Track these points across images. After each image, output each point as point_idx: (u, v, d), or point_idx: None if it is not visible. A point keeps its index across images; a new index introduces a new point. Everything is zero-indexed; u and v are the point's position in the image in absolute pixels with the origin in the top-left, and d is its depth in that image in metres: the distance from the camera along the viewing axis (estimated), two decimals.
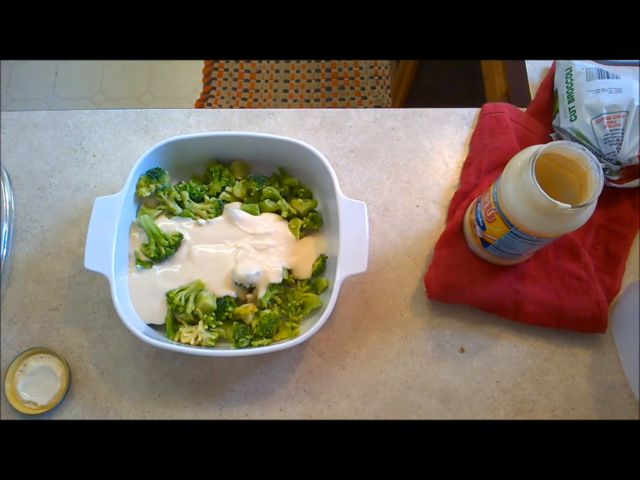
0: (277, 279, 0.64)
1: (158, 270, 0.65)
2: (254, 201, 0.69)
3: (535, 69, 0.82)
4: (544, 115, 0.78)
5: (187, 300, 0.62)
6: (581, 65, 0.75)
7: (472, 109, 0.79)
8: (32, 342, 0.66)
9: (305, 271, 0.67)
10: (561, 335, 0.68)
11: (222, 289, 0.64)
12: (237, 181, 0.70)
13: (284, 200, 0.69)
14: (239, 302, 0.65)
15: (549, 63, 0.82)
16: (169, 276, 0.64)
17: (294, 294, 0.66)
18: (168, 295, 0.63)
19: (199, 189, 0.69)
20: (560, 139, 0.73)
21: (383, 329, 0.68)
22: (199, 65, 1.84)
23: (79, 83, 1.80)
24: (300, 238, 0.68)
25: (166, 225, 0.66)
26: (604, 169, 0.70)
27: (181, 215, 0.67)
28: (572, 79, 0.74)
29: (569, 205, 0.51)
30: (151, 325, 0.63)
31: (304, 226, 0.68)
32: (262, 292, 0.64)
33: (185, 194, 0.67)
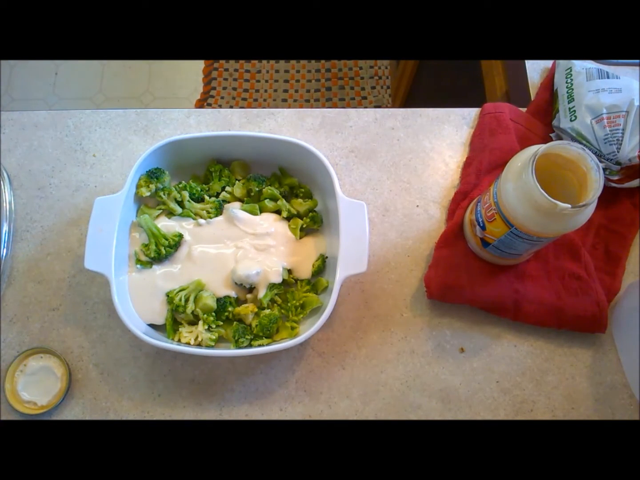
0: (277, 279, 0.64)
1: (158, 270, 0.65)
2: (254, 201, 0.69)
3: (535, 69, 0.82)
4: (544, 115, 0.78)
5: (187, 300, 0.62)
6: (581, 65, 0.75)
7: (472, 109, 0.79)
8: (32, 342, 0.66)
9: (305, 271, 0.67)
10: (561, 335, 0.68)
11: (222, 289, 0.64)
12: (237, 181, 0.70)
13: (284, 200, 0.69)
14: (239, 302, 0.65)
15: (549, 63, 0.82)
16: (169, 276, 0.64)
17: (294, 294, 0.66)
18: (168, 295, 0.63)
19: (199, 189, 0.69)
20: (560, 139, 0.73)
21: (383, 329, 0.68)
22: (199, 65, 1.84)
23: (79, 83, 1.80)
24: (300, 238, 0.68)
25: (166, 225, 0.66)
26: (604, 169, 0.70)
27: (181, 215, 0.67)
28: (572, 79, 0.74)
29: (569, 205, 0.51)
30: (151, 325, 0.63)
31: (304, 226, 0.68)
32: (262, 292, 0.64)
33: (185, 194, 0.67)
